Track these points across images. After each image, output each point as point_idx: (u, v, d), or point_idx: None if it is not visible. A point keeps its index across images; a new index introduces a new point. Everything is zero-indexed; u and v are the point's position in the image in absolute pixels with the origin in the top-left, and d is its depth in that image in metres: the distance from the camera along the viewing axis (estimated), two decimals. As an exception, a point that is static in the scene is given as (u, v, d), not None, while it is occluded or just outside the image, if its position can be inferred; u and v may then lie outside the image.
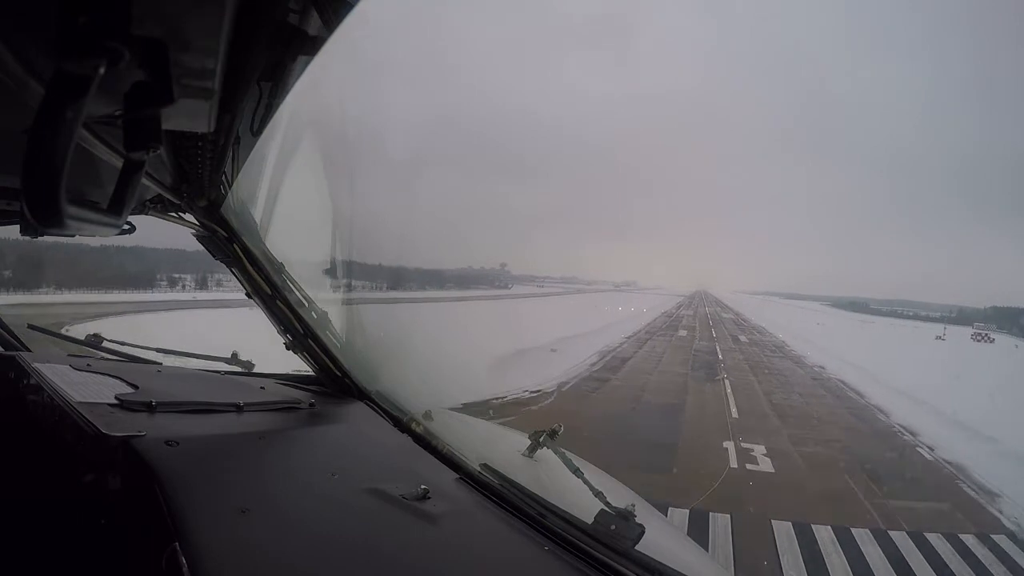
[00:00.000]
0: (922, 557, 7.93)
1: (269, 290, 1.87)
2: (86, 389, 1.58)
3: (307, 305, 1.95)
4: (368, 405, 1.92)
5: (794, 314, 64.70)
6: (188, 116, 0.85)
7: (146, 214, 1.69)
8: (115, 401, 1.51)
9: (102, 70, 0.46)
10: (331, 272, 2.04)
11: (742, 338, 35.00)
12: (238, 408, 1.65)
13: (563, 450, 1.65)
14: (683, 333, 35.37)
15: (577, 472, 1.47)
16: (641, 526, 1.21)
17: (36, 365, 1.75)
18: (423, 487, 1.29)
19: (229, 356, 2.27)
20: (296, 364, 2.12)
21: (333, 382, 2.02)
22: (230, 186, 1.64)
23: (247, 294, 1.94)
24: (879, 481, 10.54)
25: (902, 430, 14.95)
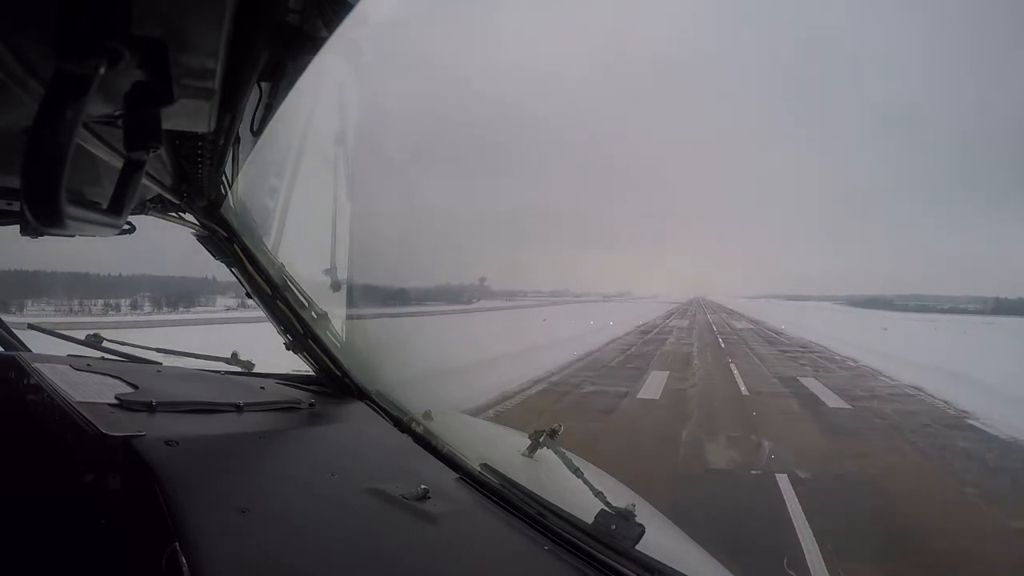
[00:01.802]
0: None
1: (269, 290, 1.87)
2: (86, 389, 1.58)
3: (307, 305, 1.96)
4: (368, 405, 1.92)
5: (829, 317, 40.60)
6: (188, 116, 0.86)
7: (146, 214, 1.69)
8: (115, 401, 1.51)
9: (102, 70, 0.46)
10: (331, 272, 2.04)
11: (827, 401, 10.50)
12: (238, 408, 1.65)
13: (563, 450, 1.65)
14: (657, 380, 12.32)
15: (577, 472, 1.47)
16: (641, 526, 1.21)
17: (36, 365, 1.75)
18: (423, 487, 1.29)
19: (229, 356, 2.27)
20: (296, 364, 2.12)
21: (333, 382, 2.02)
22: (230, 186, 1.65)
23: (247, 294, 1.94)
24: None
25: None
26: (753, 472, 6.29)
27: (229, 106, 0.96)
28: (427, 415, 1.81)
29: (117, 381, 1.70)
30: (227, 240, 1.78)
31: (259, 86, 1.03)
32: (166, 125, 0.79)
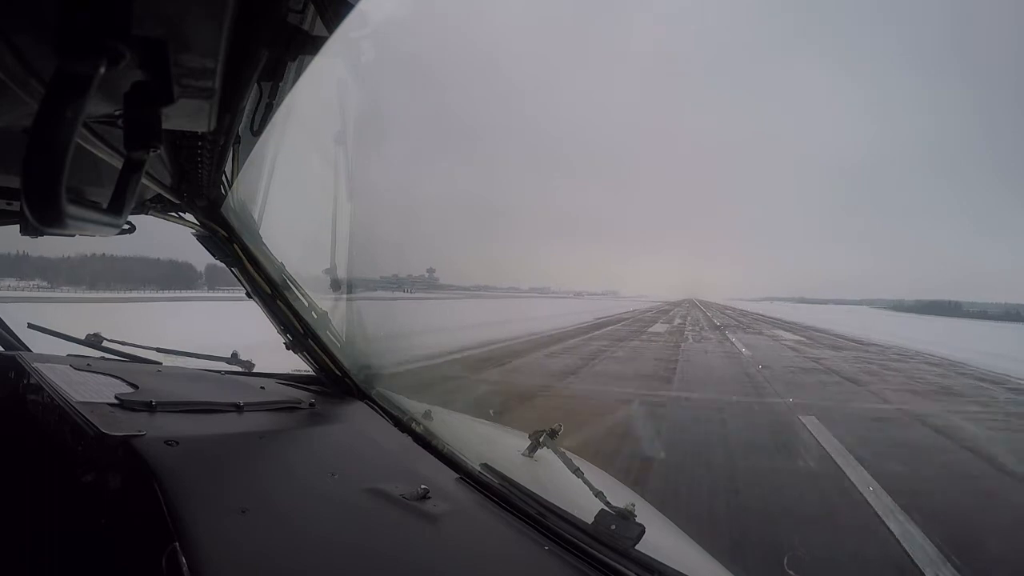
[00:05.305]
0: None
1: (269, 290, 1.87)
2: (86, 389, 1.58)
3: (307, 305, 1.96)
4: (368, 405, 1.92)
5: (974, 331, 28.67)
6: (188, 116, 0.86)
7: (146, 214, 1.70)
8: (115, 401, 1.52)
9: (102, 70, 0.46)
10: (331, 272, 2.04)
11: None
12: (238, 408, 1.65)
13: (563, 450, 1.65)
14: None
15: (577, 472, 1.47)
16: (641, 526, 1.21)
17: (36, 365, 1.75)
18: (423, 487, 1.29)
19: (229, 356, 2.28)
20: (296, 364, 2.12)
21: (333, 382, 2.02)
22: (230, 186, 1.65)
23: (247, 294, 1.94)
24: None
25: None
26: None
27: (229, 106, 0.96)
28: (427, 415, 1.81)
29: (117, 381, 1.70)
30: (227, 240, 1.78)
31: (259, 86, 1.03)
32: (166, 125, 0.79)
